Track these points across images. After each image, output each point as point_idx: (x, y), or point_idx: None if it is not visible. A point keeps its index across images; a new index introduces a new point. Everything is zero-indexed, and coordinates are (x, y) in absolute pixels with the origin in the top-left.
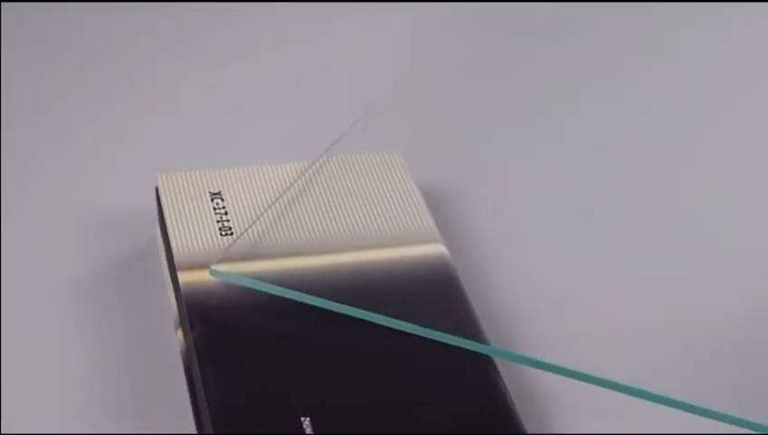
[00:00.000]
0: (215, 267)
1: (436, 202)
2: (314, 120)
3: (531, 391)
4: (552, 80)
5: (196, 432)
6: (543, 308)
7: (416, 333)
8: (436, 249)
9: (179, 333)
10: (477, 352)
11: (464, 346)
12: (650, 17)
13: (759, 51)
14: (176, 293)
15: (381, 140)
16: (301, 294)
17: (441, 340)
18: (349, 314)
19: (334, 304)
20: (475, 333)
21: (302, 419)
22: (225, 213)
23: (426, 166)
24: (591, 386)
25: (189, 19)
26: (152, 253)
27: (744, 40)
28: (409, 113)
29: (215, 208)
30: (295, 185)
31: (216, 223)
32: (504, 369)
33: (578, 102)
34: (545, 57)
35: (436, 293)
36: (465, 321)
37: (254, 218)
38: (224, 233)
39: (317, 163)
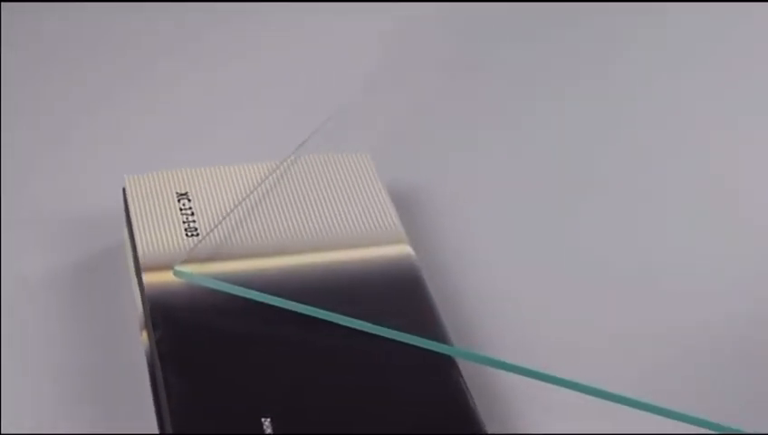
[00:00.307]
0: (178, 268)
1: (404, 203)
2: (286, 121)
3: (495, 392)
4: (525, 81)
5: (158, 433)
6: (509, 309)
7: (377, 333)
8: (402, 250)
9: (144, 334)
10: (439, 353)
11: (425, 347)
12: (633, 18)
13: (747, 51)
14: (141, 293)
15: (350, 141)
16: (262, 294)
17: (403, 340)
18: (310, 314)
19: (295, 304)
20: (437, 333)
21: (263, 419)
22: (192, 214)
23: (394, 166)
24: (556, 386)
25: (174, 20)
26: (121, 254)
27: (729, 40)
28: (379, 114)
29: (181, 209)
30: (262, 185)
31: (181, 224)
32: (470, 369)
33: (552, 103)
34: (520, 58)
35: (400, 293)
36: (428, 321)
37: (220, 219)
38: (189, 234)
39: (284, 164)
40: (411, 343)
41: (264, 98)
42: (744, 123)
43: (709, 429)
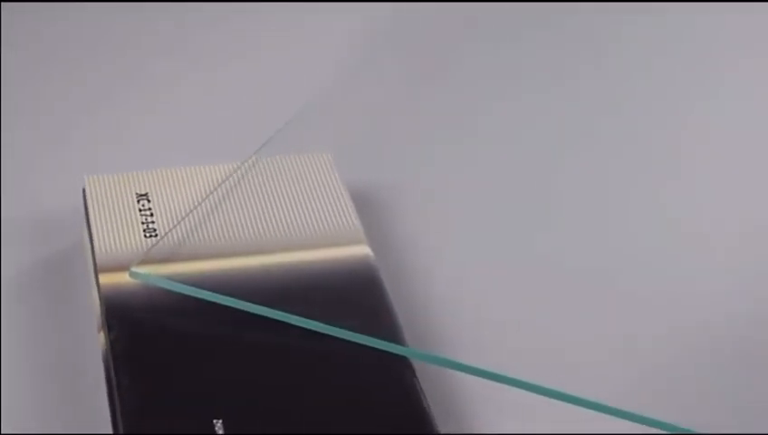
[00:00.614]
0: (134, 269)
1: (365, 203)
2: (251, 121)
3: (451, 393)
4: (493, 83)
5: (111, 433)
6: (468, 310)
7: (331, 333)
8: (361, 250)
9: (101, 335)
10: (393, 354)
11: (379, 347)
12: (604, 18)
13: (713, 53)
14: (98, 294)
15: (313, 141)
16: (215, 294)
17: (356, 340)
18: (264, 314)
19: (249, 304)
20: (392, 334)
21: (215, 421)
22: (151, 214)
23: (357, 167)
24: (510, 387)
25: (171, 20)
26: (81, 255)
27: (695, 42)
28: (343, 114)
29: (140, 210)
30: (222, 186)
31: (140, 225)
32: (428, 370)
33: (519, 104)
34: (489, 59)
35: (357, 294)
36: (383, 322)
37: (179, 220)
38: (148, 235)
39: (245, 164)
40: (365, 343)
41: (196, 98)
42: (738, 122)
43: (662, 429)
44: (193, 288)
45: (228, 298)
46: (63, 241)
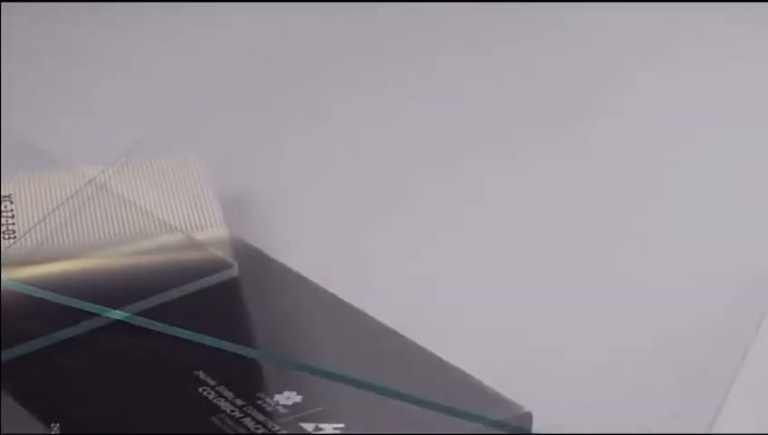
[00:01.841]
0: None
1: (237, 207)
2: (129, 123)
3: None
4: (371, 88)
5: None
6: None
7: (177, 335)
8: (223, 253)
9: None
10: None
11: (228, 349)
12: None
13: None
14: None
15: (185, 145)
16: (61, 296)
17: (205, 342)
18: (109, 316)
19: (92, 305)
20: (242, 336)
21: (52, 425)
22: (12, 217)
23: (229, 171)
24: None
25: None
26: None
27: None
28: (218, 117)
29: (2, 212)
30: (87, 189)
31: None
32: None
33: (397, 109)
34: (369, 65)
35: (213, 296)
36: (234, 324)
37: (37, 222)
38: (7, 237)
39: (113, 167)
40: (210, 344)
41: (70, 100)
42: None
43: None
44: (36, 289)
45: (74, 300)
46: None
